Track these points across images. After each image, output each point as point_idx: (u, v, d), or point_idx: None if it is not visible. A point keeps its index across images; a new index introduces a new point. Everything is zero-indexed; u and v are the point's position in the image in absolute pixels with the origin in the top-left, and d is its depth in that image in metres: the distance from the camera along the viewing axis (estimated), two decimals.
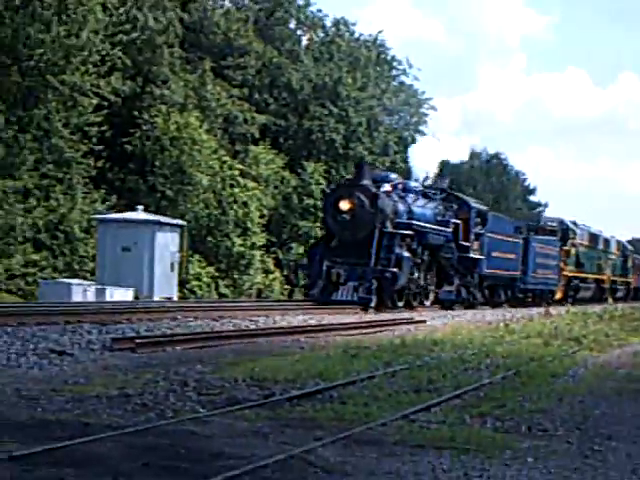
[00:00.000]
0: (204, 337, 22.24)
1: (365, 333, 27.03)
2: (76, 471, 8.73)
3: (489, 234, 47.23)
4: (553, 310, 47.77)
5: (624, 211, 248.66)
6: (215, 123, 52.27)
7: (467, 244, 44.49)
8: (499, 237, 49.28)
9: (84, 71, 40.00)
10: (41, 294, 38.94)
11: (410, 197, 40.73)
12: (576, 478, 9.79)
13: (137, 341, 19.97)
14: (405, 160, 65.82)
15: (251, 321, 28.07)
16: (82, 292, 37.05)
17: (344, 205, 35.94)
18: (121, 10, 45.56)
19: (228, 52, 56.53)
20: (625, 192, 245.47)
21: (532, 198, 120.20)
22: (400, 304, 38.29)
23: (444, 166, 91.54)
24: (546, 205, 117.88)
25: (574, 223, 68.54)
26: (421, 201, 42.05)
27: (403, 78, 75.23)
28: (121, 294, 39.00)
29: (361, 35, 70.85)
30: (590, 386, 17.26)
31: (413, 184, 44.01)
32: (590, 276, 69.58)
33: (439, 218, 42.24)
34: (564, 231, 63.59)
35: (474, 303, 46.82)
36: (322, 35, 68.89)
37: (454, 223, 43.13)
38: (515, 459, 10.45)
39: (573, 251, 64.48)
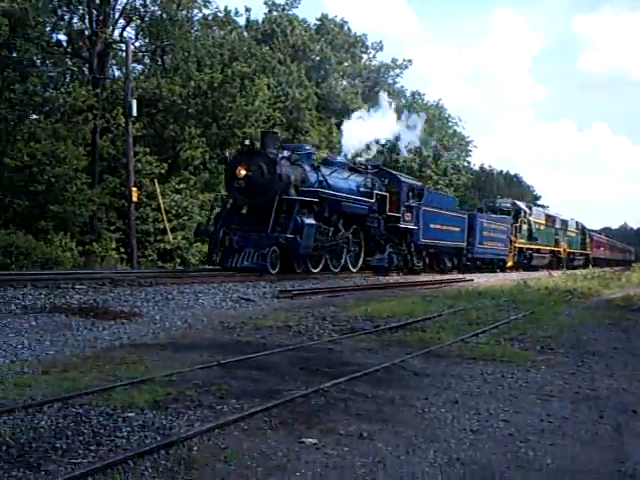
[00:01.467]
0: (335, 290, 22.28)
1: (435, 288, 26.85)
2: (258, 372, 8.86)
3: (426, 208, 35.34)
4: (554, 273, 47.00)
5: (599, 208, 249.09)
6: (338, 157, 52.25)
7: (397, 215, 32.52)
8: (438, 211, 37.09)
9: (257, 126, 40.20)
10: None
11: (328, 169, 28.69)
12: (573, 379, 9.83)
13: (294, 292, 20.11)
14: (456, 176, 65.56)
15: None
16: None
17: (240, 172, 25.00)
18: (278, 88, 45.78)
19: (346, 112, 56.51)
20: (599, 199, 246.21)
21: (539, 202, 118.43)
22: (315, 270, 27.10)
23: (485, 175, 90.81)
24: (548, 206, 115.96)
25: (528, 206, 58.62)
26: (343, 173, 30.01)
27: (455, 127, 74.70)
28: None
29: (428, 101, 70.58)
30: (580, 320, 17.00)
31: (339, 159, 32.29)
32: (544, 247, 58.89)
33: (362, 189, 30.26)
34: (516, 211, 52.77)
35: (415, 269, 35.26)
36: (404, 101, 68.70)
37: (380, 195, 31.26)
38: (533, 367, 10.50)
39: (525, 227, 53.45)
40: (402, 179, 34.12)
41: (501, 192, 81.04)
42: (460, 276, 35.15)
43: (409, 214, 33.39)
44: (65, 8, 35.54)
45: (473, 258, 43.06)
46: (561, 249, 65.24)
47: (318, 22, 60.29)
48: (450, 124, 73.40)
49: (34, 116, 32.43)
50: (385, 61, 65.90)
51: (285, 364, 9.54)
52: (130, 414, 6.67)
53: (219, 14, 42.34)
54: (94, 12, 34.97)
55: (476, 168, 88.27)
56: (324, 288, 22.30)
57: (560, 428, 7.22)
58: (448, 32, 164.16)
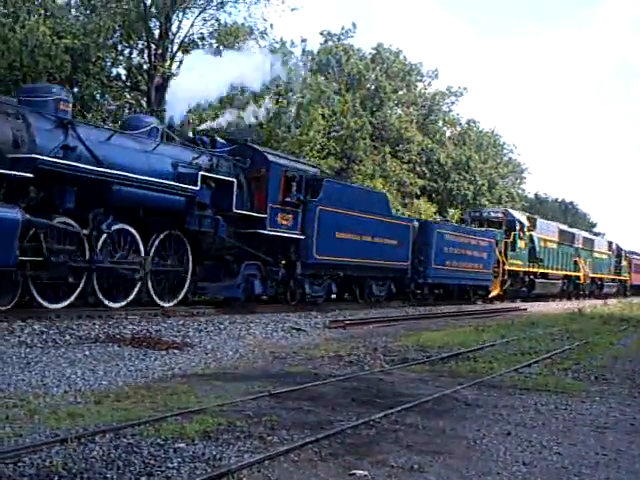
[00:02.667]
0: (385, 320, 22.16)
1: (488, 317, 26.59)
2: (309, 403, 8.84)
3: (325, 207, 23.14)
4: (609, 301, 46.29)
5: None
6: (392, 186, 52.02)
7: (261, 215, 20.67)
8: (350, 214, 24.37)
9: (311, 155, 40.37)
10: None
11: (102, 132, 17.48)
12: (629, 411, 9.67)
13: (346, 322, 20.05)
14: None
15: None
16: None
17: None
18: (333, 117, 45.96)
19: (400, 141, 56.54)
20: None
21: (595, 229, 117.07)
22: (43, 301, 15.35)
23: (540, 202, 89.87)
24: (603, 234, 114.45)
25: (532, 217, 45.86)
26: (142, 142, 17.93)
27: (510, 155, 74.22)
28: None
29: (483, 129, 70.31)
30: (636, 351, 16.77)
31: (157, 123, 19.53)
32: (554, 271, 46.44)
33: (181, 170, 18.42)
34: (509, 223, 40.58)
35: (312, 300, 23.62)
36: (459, 129, 68.49)
37: (219, 181, 19.61)
38: (587, 398, 10.39)
39: (522, 244, 40.97)
40: (273, 159, 21.93)
41: (556, 220, 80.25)
42: (512, 305, 34.60)
43: (289, 216, 22.04)
44: (125, 43, 36.21)
45: (427, 284, 31.45)
46: (581, 273, 52.34)
47: (373, 51, 60.53)
48: (505, 151, 72.96)
49: None
50: (440, 89, 65.85)
51: (336, 394, 9.51)
52: (181, 444, 6.68)
53: (275, 45, 42.76)
54: (153, 46, 35.55)
55: (531, 195, 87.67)
56: (376, 318, 22.21)
57: (615, 461, 7.08)
58: (505, 54, 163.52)
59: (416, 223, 30.90)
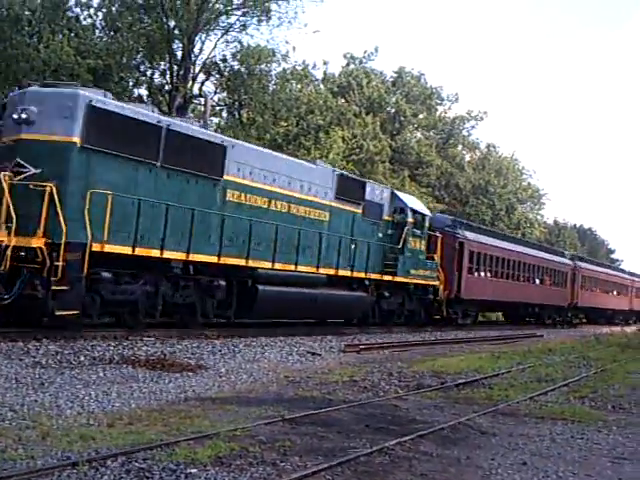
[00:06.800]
0: (401, 344, 22.08)
1: (504, 344, 26.43)
2: (323, 429, 8.78)
3: None
4: (627, 328, 45.97)
5: None
6: None
7: None
8: None
9: None
10: None
11: None
12: None
13: (361, 346, 19.99)
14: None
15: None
16: None
17: None
18: (353, 141, 45.99)
19: (419, 165, 56.53)
20: None
21: (613, 256, 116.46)
22: None
23: (552, 226, 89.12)
24: (622, 261, 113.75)
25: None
26: None
27: (529, 180, 73.97)
28: None
29: (502, 154, 70.18)
30: None
31: None
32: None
33: None
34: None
35: None
36: (479, 154, 68.46)
37: None
38: (605, 427, 10.32)
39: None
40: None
41: (574, 247, 79.91)
42: (529, 332, 34.41)
43: None
44: (147, 64, 36.48)
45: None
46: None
47: (395, 74, 60.73)
48: (524, 176, 72.78)
49: None
50: (460, 112, 65.86)
51: (350, 420, 9.44)
52: (193, 470, 6.63)
53: (297, 68, 42.92)
54: (175, 67, 35.78)
55: (550, 221, 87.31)
56: (392, 342, 22.14)
57: None
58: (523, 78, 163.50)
59: None
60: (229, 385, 12.05)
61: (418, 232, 27.42)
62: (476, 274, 34.17)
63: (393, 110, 57.91)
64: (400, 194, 28.13)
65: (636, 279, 68.25)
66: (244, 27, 36.43)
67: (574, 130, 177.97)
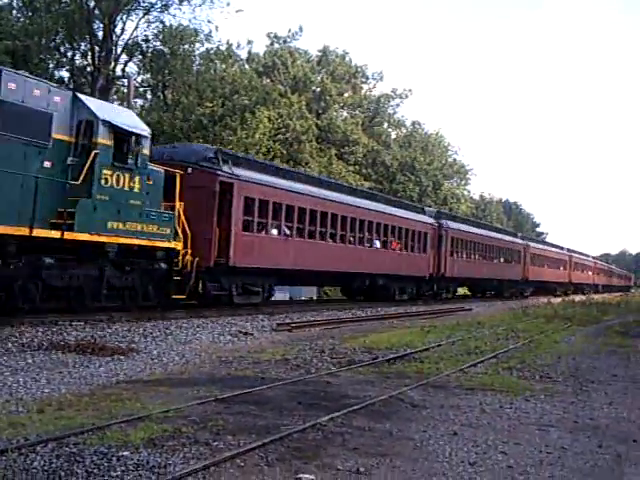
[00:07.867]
0: (332, 321, 22.18)
1: (434, 318, 26.74)
2: (256, 407, 8.78)
3: None
4: (553, 300, 46.99)
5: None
6: None
7: None
8: None
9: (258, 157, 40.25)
10: None
11: None
12: (572, 408, 9.81)
13: (292, 325, 20.02)
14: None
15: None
16: None
17: None
18: (279, 120, 45.82)
19: (345, 143, 56.65)
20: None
21: (538, 229, 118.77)
22: None
23: (478, 200, 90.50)
24: (547, 234, 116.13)
25: None
26: None
27: (455, 156, 74.80)
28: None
29: (428, 131, 70.77)
30: (579, 348, 17.00)
31: None
32: None
33: None
34: None
35: None
36: (404, 131, 68.95)
37: None
38: (532, 396, 10.52)
39: None
40: None
41: (500, 221, 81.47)
42: (459, 306, 34.92)
43: None
44: (68, 45, 35.78)
45: None
46: None
47: (320, 54, 60.64)
48: (450, 152, 73.57)
49: None
50: (385, 91, 66.13)
51: (283, 398, 9.45)
52: (125, 453, 6.56)
53: (221, 48, 42.52)
54: (96, 48, 35.16)
55: (476, 196, 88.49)
56: (323, 320, 22.21)
57: (559, 459, 7.15)
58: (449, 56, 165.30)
59: None
60: (161, 367, 11.96)
61: (128, 163, 17.75)
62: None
63: (318, 89, 57.87)
64: (89, 99, 18.24)
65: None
66: (166, 7, 36.06)
67: (496, 105, 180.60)
